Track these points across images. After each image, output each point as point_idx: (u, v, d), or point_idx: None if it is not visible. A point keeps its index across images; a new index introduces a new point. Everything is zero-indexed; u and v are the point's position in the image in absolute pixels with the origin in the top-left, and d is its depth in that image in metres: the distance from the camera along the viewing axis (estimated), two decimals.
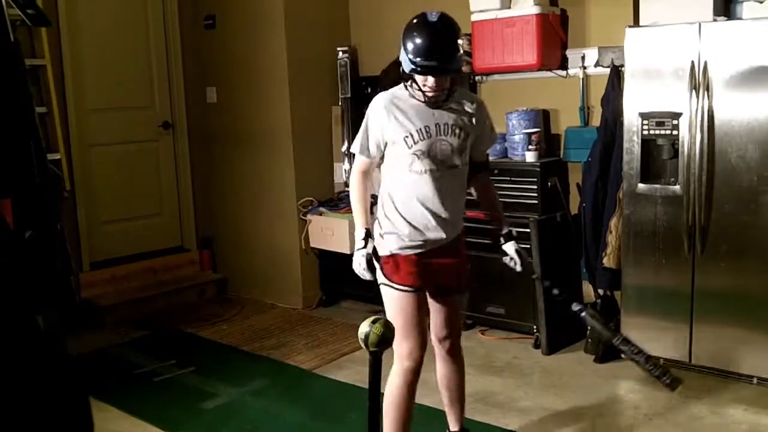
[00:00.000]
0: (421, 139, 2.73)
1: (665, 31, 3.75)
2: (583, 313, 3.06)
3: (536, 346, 4.31)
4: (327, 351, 4.45)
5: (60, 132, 4.64)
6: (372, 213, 2.98)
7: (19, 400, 1.18)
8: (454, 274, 2.91)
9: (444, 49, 2.63)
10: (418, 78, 2.67)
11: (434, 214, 2.78)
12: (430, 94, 2.69)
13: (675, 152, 3.77)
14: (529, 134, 4.34)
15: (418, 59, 2.61)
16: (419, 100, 2.73)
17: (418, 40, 2.61)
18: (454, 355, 3.03)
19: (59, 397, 1.23)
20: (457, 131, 2.77)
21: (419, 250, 2.81)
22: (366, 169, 2.88)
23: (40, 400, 1.20)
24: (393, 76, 2.89)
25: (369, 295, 5.21)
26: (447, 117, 2.76)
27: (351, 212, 4.94)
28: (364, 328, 2.71)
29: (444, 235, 2.82)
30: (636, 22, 4.00)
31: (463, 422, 3.14)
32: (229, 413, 3.70)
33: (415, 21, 2.68)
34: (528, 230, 4.24)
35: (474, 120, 2.82)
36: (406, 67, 2.67)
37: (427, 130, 2.74)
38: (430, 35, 2.62)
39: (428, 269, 2.83)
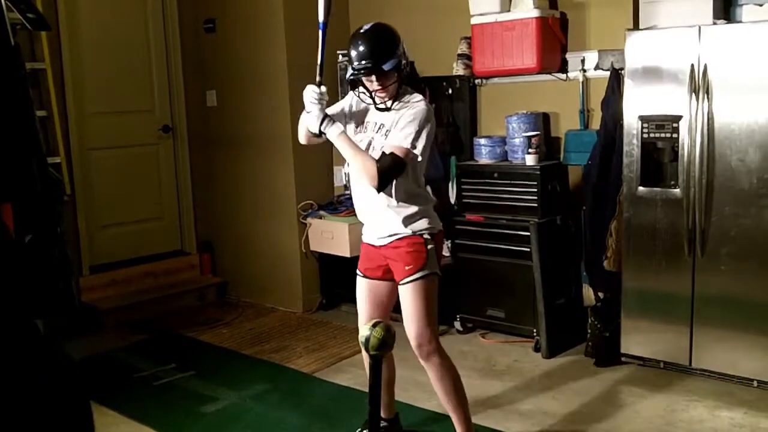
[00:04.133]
0: (355, 134, 2.97)
1: (665, 34, 3.75)
2: None
3: (536, 349, 4.31)
4: (327, 354, 4.45)
5: (60, 136, 4.64)
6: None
7: (20, 405, 1.17)
8: (396, 266, 2.97)
9: (374, 49, 2.80)
10: (366, 82, 2.86)
11: (362, 209, 3.04)
12: (379, 96, 2.86)
13: (675, 155, 3.77)
14: (529, 137, 4.34)
15: (355, 63, 2.81)
16: (370, 104, 2.91)
17: (352, 48, 2.83)
18: (423, 359, 2.99)
19: (60, 401, 1.23)
20: (385, 131, 2.89)
21: (364, 239, 3.10)
22: None
23: (41, 404, 1.20)
24: None
25: None
26: (384, 117, 2.90)
27: (351, 215, 5.04)
28: (365, 331, 2.72)
29: (374, 231, 3.01)
30: (636, 26, 4.00)
31: (465, 429, 3.07)
32: (229, 417, 3.70)
33: (352, 34, 2.89)
34: (528, 233, 4.24)
35: (395, 117, 2.87)
36: (350, 75, 2.87)
37: (365, 127, 2.96)
38: (360, 40, 2.83)
39: (369, 256, 3.07)
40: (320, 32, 2.91)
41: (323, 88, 2.87)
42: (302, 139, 3.05)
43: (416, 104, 2.87)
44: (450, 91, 4.86)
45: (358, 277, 3.15)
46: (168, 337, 4.92)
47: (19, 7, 2.49)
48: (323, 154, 5.46)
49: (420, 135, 2.81)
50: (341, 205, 5.24)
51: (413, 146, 2.81)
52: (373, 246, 3.05)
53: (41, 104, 4.49)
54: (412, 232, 2.93)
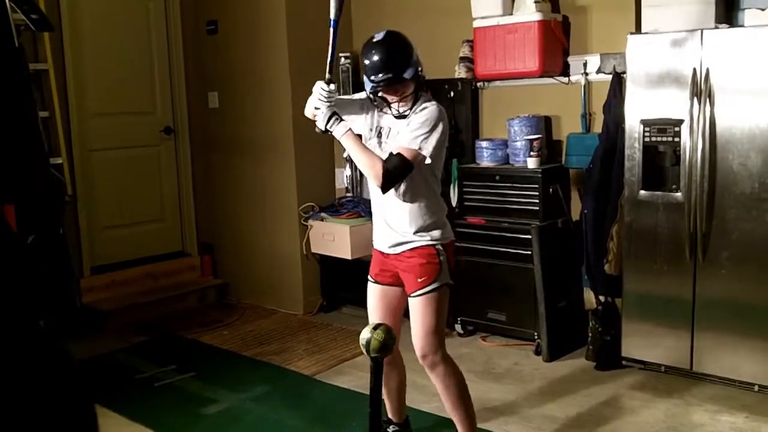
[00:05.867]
0: (369, 139, 2.93)
1: (667, 38, 3.75)
2: None
3: (537, 352, 4.30)
4: (328, 357, 4.45)
5: (62, 137, 4.64)
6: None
7: (23, 407, 1.17)
8: (407, 278, 2.95)
9: (392, 60, 2.75)
10: (385, 94, 2.82)
11: (376, 215, 3.01)
12: (396, 105, 2.82)
13: (677, 159, 3.77)
14: (531, 140, 4.34)
15: (373, 77, 2.77)
16: (387, 112, 2.87)
17: (366, 59, 2.79)
18: (428, 368, 2.98)
19: (63, 403, 1.23)
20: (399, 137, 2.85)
21: (375, 245, 3.07)
22: None
23: (43, 406, 1.20)
24: None
25: None
26: (400, 124, 2.86)
27: (352, 218, 5.04)
28: (366, 334, 2.71)
29: (385, 239, 2.97)
30: (638, 29, 4.00)
31: None
32: (229, 419, 3.70)
33: (364, 44, 2.85)
34: (529, 236, 4.24)
35: (408, 120, 2.83)
36: (368, 88, 2.82)
37: (379, 132, 2.92)
38: (376, 50, 2.78)
39: (380, 262, 3.05)
40: (331, 30, 2.87)
41: (332, 86, 2.83)
42: (308, 114, 3.00)
43: (429, 107, 2.83)
44: (452, 94, 4.86)
45: (369, 282, 3.12)
46: (168, 339, 4.92)
47: (23, 9, 2.50)
48: (325, 156, 5.47)
49: (430, 137, 2.77)
50: (342, 207, 5.24)
51: (421, 148, 2.76)
52: (383, 254, 3.02)
53: (43, 105, 4.49)
54: (425, 242, 2.90)
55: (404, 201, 2.89)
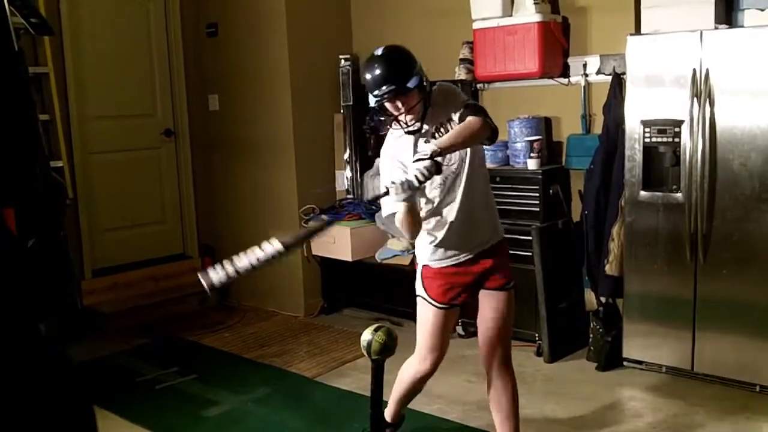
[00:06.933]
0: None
1: (667, 39, 3.75)
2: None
3: (538, 353, 4.30)
4: (329, 359, 4.45)
5: (62, 139, 4.65)
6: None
7: (23, 409, 1.18)
8: (496, 270, 2.91)
9: (394, 71, 2.65)
10: (390, 108, 2.70)
11: (461, 225, 2.83)
12: (407, 119, 2.71)
13: (677, 160, 3.77)
14: (531, 142, 4.35)
15: (376, 91, 2.65)
16: (404, 131, 2.73)
17: (369, 75, 2.68)
18: (505, 366, 2.98)
19: (63, 405, 1.24)
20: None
21: (451, 262, 2.88)
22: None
23: (43, 408, 1.20)
24: None
25: (371, 303, 5.22)
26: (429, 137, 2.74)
27: (353, 220, 5.04)
28: (367, 336, 2.71)
29: (469, 243, 2.84)
30: (637, 30, 4.00)
31: None
32: (230, 421, 3.70)
33: (365, 60, 2.77)
34: (530, 238, 4.24)
35: (453, 116, 2.72)
36: (374, 102, 2.69)
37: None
38: (377, 64, 2.67)
39: (455, 279, 2.89)
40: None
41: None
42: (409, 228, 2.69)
43: (449, 93, 2.78)
44: None
45: (435, 308, 2.88)
46: (170, 341, 4.92)
47: (23, 12, 2.50)
48: (325, 158, 5.48)
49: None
50: (343, 209, 5.24)
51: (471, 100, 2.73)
52: (468, 261, 2.83)
53: (44, 108, 4.50)
54: (502, 235, 2.92)
55: (484, 198, 2.85)
